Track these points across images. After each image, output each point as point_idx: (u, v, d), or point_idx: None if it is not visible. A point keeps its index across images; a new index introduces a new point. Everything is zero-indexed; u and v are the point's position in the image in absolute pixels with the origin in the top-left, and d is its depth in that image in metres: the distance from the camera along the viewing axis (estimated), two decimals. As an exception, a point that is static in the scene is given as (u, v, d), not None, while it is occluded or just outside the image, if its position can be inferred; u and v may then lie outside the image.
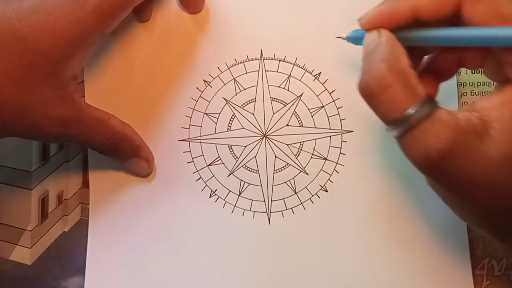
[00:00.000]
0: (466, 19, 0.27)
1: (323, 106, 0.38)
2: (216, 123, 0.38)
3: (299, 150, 0.38)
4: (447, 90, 0.37)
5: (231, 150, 0.38)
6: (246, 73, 0.38)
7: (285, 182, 0.37)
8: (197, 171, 0.38)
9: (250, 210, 0.37)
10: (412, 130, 0.25)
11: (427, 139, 0.25)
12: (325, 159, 0.37)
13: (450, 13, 0.27)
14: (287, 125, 0.38)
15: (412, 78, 0.26)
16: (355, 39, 0.31)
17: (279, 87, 0.38)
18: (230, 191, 0.37)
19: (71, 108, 0.31)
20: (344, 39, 0.32)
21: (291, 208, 0.37)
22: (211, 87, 0.38)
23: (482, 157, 0.25)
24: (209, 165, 0.38)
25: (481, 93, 0.38)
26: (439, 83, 0.32)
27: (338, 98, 0.38)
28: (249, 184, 0.37)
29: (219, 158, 0.38)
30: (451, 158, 0.25)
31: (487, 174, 0.25)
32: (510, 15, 0.25)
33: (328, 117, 0.38)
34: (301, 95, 0.38)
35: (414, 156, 0.26)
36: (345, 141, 0.37)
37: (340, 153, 0.37)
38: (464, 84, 0.38)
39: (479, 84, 0.38)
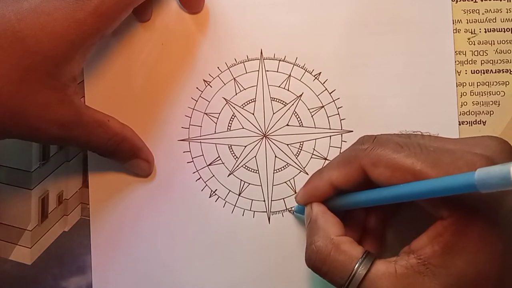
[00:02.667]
0: (375, 181, 0.29)
1: (323, 106, 0.38)
2: (216, 123, 0.38)
3: (299, 150, 0.38)
4: (447, 91, 0.37)
5: (231, 150, 0.38)
6: (246, 73, 0.38)
7: (285, 182, 0.37)
8: (197, 171, 0.38)
9: (250, 210, 0.37)
10: None
11: None
12: (325, 159, 0.37)
13: (362, 180, 0.30)
14: (287, 125, 0.38)
15: (345, 244, 0.29)
16: (301, 211, 0.35)
17: (279, 87, 0.38)
18: (230, 191, 0.37)
19: (71, 110, 0.31)
20: (291, 212, 0.37)
21: (291, 208, 0.37)
22: (211, 87, 0.38)
23: None
24: (209, 165, 0.38)
25: (481, 93, 0.38)
26: (385, 221, 0.35)
27: (338, 98, 0.38)
28: (249, 184, 0.37)
29: (219, 158, 0.38)
30: None
31: None
32: (409, 166, 0.27)
33: (328, 117, 0.38)
34: (301, 95, 0.38)
35: None
36: (345, 141, 0.37)
37: (340, 153, 0.37)
38: (464, 84, 0.38)
39: (479, 84, 0.38)
